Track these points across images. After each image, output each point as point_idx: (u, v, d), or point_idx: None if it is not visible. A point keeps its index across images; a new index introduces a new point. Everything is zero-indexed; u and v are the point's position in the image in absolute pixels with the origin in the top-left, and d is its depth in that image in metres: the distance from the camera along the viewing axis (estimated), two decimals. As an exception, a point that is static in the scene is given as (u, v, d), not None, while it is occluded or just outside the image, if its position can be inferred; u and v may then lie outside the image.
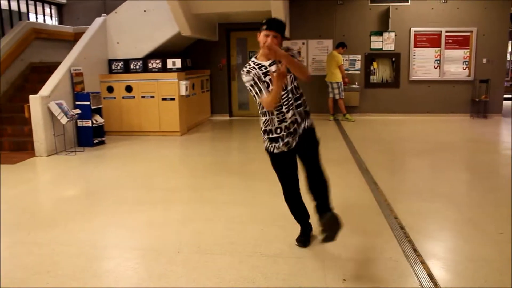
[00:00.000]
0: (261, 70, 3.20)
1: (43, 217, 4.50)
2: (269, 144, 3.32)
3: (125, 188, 5.45)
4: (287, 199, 3.50)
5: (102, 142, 8.06)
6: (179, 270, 3.21)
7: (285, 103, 3.19)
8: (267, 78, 3.18)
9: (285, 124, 3.22)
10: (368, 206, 4.53)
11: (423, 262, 3.21)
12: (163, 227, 4.06)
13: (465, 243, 3.64)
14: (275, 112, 3.22)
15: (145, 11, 9.02)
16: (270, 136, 3.29)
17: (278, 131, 3.24)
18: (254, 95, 3.22)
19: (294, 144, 3.26)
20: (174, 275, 3.14)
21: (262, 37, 3.14)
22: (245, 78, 3.23)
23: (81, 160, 6.98)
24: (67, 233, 3.97)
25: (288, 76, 3.15)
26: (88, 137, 7.80)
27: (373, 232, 3.85)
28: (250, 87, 3.22)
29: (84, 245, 3.69)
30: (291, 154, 3.31)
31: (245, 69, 3.25)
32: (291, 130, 3.23)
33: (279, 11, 8.03)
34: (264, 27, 3.14)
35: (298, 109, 3.25)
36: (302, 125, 3.26)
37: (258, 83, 3.18)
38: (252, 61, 3.27)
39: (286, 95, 3.19)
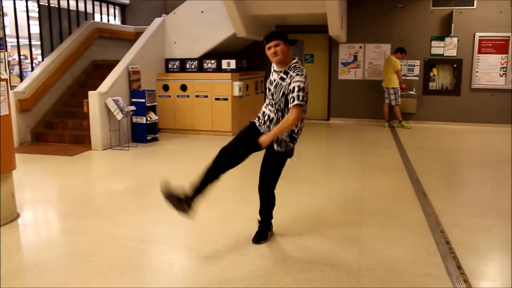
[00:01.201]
0: (273, 76, 3.44)
1: (93, 208, 4.69)
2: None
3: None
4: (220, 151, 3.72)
5: (155, 139, 8.29)
6: (212, 269, 3.23)
7: (274, 102, 3.42)
8: (271, 88, 3.43)
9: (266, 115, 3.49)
10: (414, 217, 4.35)
11: (466, 281, 3.03)
12: (204, 225, 4.10)
13: (515, 264, 3.41)
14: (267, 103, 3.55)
15: (202, 11, 9.19)
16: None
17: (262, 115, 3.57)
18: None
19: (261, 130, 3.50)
20: (209, 274, 3.15)
21: (267, 51, 3.37)
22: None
23: (134, 155, 7.21)
24: (113, 225, 4.11)
25: (279, 94, 3.34)
26: (142, 133, 8.05)
27: (416, 244, 3.68)
28: (273, 89, 3.47)
29: (126, 238, 3.80)
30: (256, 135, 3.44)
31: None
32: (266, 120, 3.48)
33: (335, 13, 7.92)
34: (264, 43, 3.35)
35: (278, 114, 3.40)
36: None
37: (269, 87, 3.49)
38: (272, 67, 3.50)
39: (271, 97, 3.42)
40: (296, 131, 3.45)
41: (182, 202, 3.46)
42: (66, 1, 10.37)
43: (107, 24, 11.08)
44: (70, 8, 10.56)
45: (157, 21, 9.40)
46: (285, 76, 3.30)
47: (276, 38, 3.29)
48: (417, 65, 10.40)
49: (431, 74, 10.41)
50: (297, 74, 3.24)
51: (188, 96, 9.00)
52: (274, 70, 3.43)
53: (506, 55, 9.99)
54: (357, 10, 10.40)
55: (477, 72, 10.16)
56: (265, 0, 8.28)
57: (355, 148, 7.83)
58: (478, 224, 4.21)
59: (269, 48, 3.31)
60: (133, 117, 8.02)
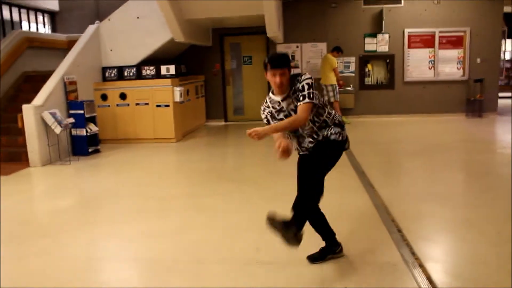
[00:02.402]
0: (274, 108, 3.17)
1: (37, 229, 4.45)
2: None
3: (120, 197, 5.41)
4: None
5: (97, 151, 8.02)
6: (175, 280, 3.17)
7: (305, 132, 3.16)
8: (281, 115, 3.15)
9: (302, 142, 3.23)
10: (365, 209, 4.51)
11: (421, 265, 3.18)
12: (160, 237, 4.02)
13: (463, 245, 3.62)
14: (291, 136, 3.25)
15: (138, 17, 9.00)
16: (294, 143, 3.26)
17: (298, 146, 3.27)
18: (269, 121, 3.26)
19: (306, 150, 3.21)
20: (170, 286, 3.09)
21: (270, 76, 3.06)
22: (262, 115, 3.29)
23: (76, 170, 6.94)
24: (61, 245, 3.92)
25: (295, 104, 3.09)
26: (83, 146, 7.75)
27: (371, 235, 3.82)
28: (266, 124, 3.23)
29: (77, 257, 3.64)
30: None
31: (262, 108, 3.27)
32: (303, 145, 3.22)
33: (272, 14, 8.03)
34: (269, 66, 3.04)
35: (315, 127, 3.13)
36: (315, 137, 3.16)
37: (271, 120, 3.20)
38: (268, 97, 3.22)
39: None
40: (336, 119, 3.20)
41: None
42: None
43: (37, 33, 10.60)
44: (-6, 18, 10.00)
45: (91, 28, 9.10)
46: (293, 90, 3.07)
47: (284, 67, 3.03)
48: (353, 62, 10.77)
49: (366, 70, 10.81)
50: (300, 76, 3.08)
51: (128, 104, 8.77)
52: (279, 101, 3.13)
53: (433, 49, 10.56)
54: (292, 10, 10.60)
55: (408, 66, 10.68)
56: (203, 2, 8.25)
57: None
58: (424, 210, 4.43)
59: (275, 75, 3.02)
60: (72, 129, 7.71)
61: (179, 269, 3.34)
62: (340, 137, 3.16)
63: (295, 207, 3.02)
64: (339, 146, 3.20)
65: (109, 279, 3.28)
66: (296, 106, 3.04)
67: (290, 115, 3.10)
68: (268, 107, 3.21)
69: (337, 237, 3.40)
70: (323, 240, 3.36)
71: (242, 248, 3.64)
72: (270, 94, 3.22)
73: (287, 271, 3.21)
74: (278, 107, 3.15)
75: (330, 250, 3.37)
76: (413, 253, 3.38)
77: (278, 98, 3.14)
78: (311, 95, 2.99)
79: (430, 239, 3.73)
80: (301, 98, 3.00)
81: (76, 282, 3.19)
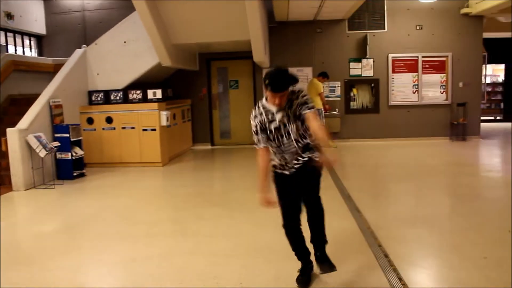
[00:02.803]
0: (267, 117, 3.18)
1: (20, 255, 4.36)
2: (271, 165, 3.35)
3: (105, 222, 5.34)
4: (287, 231, 3.40)
5: (82, 175, 7.93)
6: (160, 308, 3.12)
7: (286, 149, 3.21)
8: (271, 126, 3.17)
9: (284, 156, 3.25)
10: (351, 233, 4.50)
11: (408, 291, 3.18)
12: (145, 263, 3.96)
13: (449, 270, 3.63)
14: (274, 149, 3.27)
15: (125, 42, 9.05)
16: (275, 160, 3.32)
17: (278, 161, 3.31)
18: (255, 140, 3.29)
19: (294, 170, 3.26)
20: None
21: (269, 95, 3.10)
22: (252, 122, 3.27)
23: (60, 194, 6.84)
24: (44, 271, 3.84)
25: (294, 127, 3.15)
26: (68, 170, 7.67)
27: (357, 260, 3.81)
28: (254, 132, 3.27)
29: (61, 284, 3.57)
30: (293, 180, 3.28)
31: (253, 113, 3.27)
32: (290, 159, 3.25)
33: (259, 40, 8.13)
34: (269, 88, 3.04)
35: (299, 148, 3.20)
36: (303, 156, 3.22)
37: (259, 132, 3.22)
38: (262, 105, 3.23)
39: (289, 142, 3.18)
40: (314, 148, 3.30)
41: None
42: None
43: (23, 57, 10.56)
44: (-20, 41, 9.97)
45: (78, 52, 9.11)
46: (291, 107, 3.14)
47: (285, 89, 3.05)
48: (338, 86, 10.90)
49: (352, 94, 10.95)
50: (298, 91, 3.17)
51: (114, 128, 8.74)
52: (273, 112, 3.16)
53: (416, 73, 10.76)
54: (278, 35, 10.75)
55: (392, 90, 10.84)
56: (190, 27, 8.34)
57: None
58: (410, 234, 4.44)
59: (274, 97, 3.05)
60: (57, 153, 7.64)
61: (164, 297, 3.28)
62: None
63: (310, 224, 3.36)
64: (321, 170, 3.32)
65: (92, 307, 3.21)
66: (297, 117, 3.12)
67: (279, 127, 3.15)
68: (261, 114, 3.21)
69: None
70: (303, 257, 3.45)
71: (227, 274, 3.60)
72: (264, 101, 3.23)
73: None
74: (270, 118, 3.18)
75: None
76: (400, 279, 3.37)
77: (273, 109, 3.16)
78: (312, 107, 3.14)
79: (417, 265, 3.73)
80: (306, 110, 3.09)
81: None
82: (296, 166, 3.23)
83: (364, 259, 3.82)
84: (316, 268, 3.46)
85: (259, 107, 3.24)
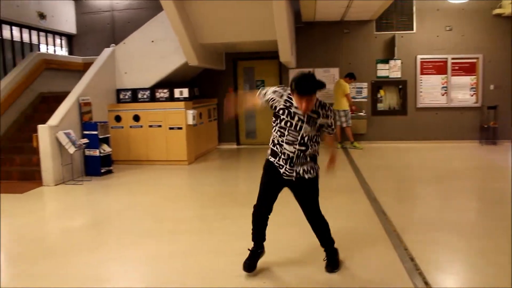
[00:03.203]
0: (289, 109, 3.29)
1: (47, 248, 4.46)
2: (270, 155, 3.49)
3: (131, 218, 5.41)
4: (254, 213, 3.64)
5: (109, 171, 8.07)
6: (184, 305, 3.15)
7: (288, 138, 3.31)
8: (288, 117, 3.29)
9: (282, 150, 3.37)
10: (376, 236, 4.45)
11: (434, 296, 3.12)
12: (168, 260, 4.00)
13: (475, 275, 3.55)
14: (279, 140, 3.36)
15: (153, 41, 9.16)
16: (272, 148, 3.46)
17: (275, 149, 3.42)
18: (262, 98, 3.47)
19: (286, 173, 3.40)
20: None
21: (296, 99, 3.19)
22: (270, 91, 3.39)
23: (88, 190, 6.98)
24: (70, 266, 3.92)
25: (308, 129, 3.29)
26: (96, 167, 7.81)
27: (383, 263, 3.76)
28: (263, 94, 3.44)
29: (85, 279, 3.63)
30: (279, 178, 3.45)
31: (278, 89, 3.39)
32: (287, 159, 3.37)
33: (285, 40, 8.11)
34: (296, 91, 3.12)
35: (299, 152, 3.33)
36: (299, 170, 3.38)
37: (269, 101, 3.38)
38: (288, 94, 3.32)
39: (295, 134, 3.29)
40: (318, 153, 3.51)
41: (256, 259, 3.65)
42: (9, 32, 10.04)
43: (54, 55, 10.81)
44: (14, 39, 10.23)
45: (106, 51, 9.27)
46: (316, 115, 3.29)
47: (313, 93, 3.14)
48: (365, 87, 10.78)
49: (379, 96, 10.82)
50: (328, 109, 3.34)
51: (142, 126, 8.86)
52: (295, 106, 3.25)
53: (445, 75, 10.56)
54: (305, 36, 10.71)
55: (421, 92, 10.66)
56: (217, 27, 8.38)
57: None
58: (436, 238, 4.35)
59: (301, 101, 3.14)
60: (86, 150, 7.79)
61: (188, 294, 3.31)
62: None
63: (316, 232, 3.59)
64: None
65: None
66: (317, 129, 3.34)
67: (295, 128, 3.27)
68: (284, 99, 3.31)
69: (348, 263, 3.36)
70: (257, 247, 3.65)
71: (252, 274, 3.60)
72: (289, 93, 3.31)
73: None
74: (288, 105, 3.28)
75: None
76: (426, 283, 3.31)
77: (299, 111, 3.25)
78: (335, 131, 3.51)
79: (444, 269, 3.66)
80: (330, 130, 3.44)
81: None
82: (291, 174, 3.39)
83: (389, 262, 3.76)
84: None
85: (285, 91, 3.34)
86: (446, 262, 3.84)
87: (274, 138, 3.41)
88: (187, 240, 4.56)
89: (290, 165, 3.35)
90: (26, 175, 7.61)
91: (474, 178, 7.38)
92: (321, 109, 3.29)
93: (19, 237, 4.82)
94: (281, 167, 3.39)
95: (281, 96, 3.33)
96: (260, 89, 3.54)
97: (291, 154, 3.32)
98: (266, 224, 3.63)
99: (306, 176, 3.38)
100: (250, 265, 3.55)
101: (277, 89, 3.40)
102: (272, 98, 3.37)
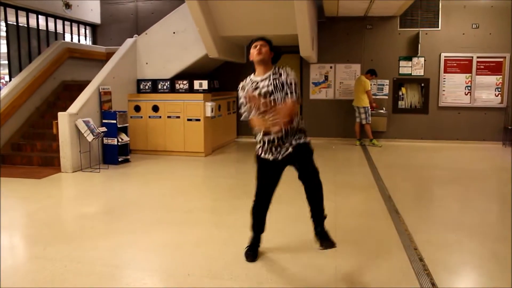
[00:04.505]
0: (252, 86, 3.42)
1: (61, 233, 4.54)
2: (257, 147, 3.55)
3: (144, 207, 5.47)
4: (254, 207, 3.68)
5: (126, 160, 8.17)
6: (187, 294, 3.17)
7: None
8: (256, 92, 3.38)
9: (268, 137, 3.41)
10: (387, 235, 4.39)
11: (440, 298, 3.06)
12: (177, 249, 4.03)
13: (485, 279, 3.48)
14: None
15: (174, 32, 9.20)
16: (258, 143, 3.54)
17: (262, 142, 3.48)
18: (243, 112, 3.55)
19: (279, 157, 3.42)
20: (182, 299, 3.09)
21: (252, 52, 3.42)
22: (240, 94, 3.52)
23: (105, 177, 7.08)
24: (82, 250, 3.99)
25: (279, 96, 3.35)
26: (113, 155, 7.92)
27: (390, 262, 3.71)
28: (243, 105, 3.51)
29: (96, 264, 3.69)
30: (274, 166, 3.49)
31: (240, 85, 3.53)
32: (275, 144, 3.41)
33: (306, 35, 8.05)
34: (251, 42, 3.45)
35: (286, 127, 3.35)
36: (291, 141, 3.40)
37: (247, 103, 3.45)
38: (249, 77, 3.50)
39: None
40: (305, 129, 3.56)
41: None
42: (35, 21, 10.22)
43: (78, 44, 10.97)
44: (40, 28, 10.42)
45: (128, 41, 9.36)
46: (277, 76, 3.37)
47: (264, 40, 3.43)
48: (386, 85, 10.64)
49: (400, 93, 10.66)
50: (290, 72, 3.39)
51: (160, 117, 8.93)
52: (260, 80, 3.40)
53: (470, 74, 10.33)
54: (327, 31, 10.61)
55: (443, 91, 10.46)
56: (237, 20, 8.37)
57: (327, 167, 7.86)
58: (449, 240, 4.27)
59: (255, 46, 3.39)
60: (104, 138, 7.90)
61: (191, 283, 3.32)
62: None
63: (309, 198, 3.52)
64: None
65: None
66: (271, 91, 3.33)
67: (265, 96, 3.33)
68: (247, 85, 3.45)
69: (357, 260, 3.32)
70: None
71: (258, 267, 3.60)
72: (252, 75, 3.49)
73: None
74: (254, 86, 3.39)
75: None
76: (433, 284, 3.26)
77: (257, 78, 3.42)
78: (297, 93, 3.35)
79: (452, 271, 3.59)
80: (290, 95, 3.32)
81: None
82: (282, 152, 3.40)
83: (397, 261, 3.71)
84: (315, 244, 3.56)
85: (245, 80, 3.50)
86: (456, 264, 3.76)
87: (259, 133, 3.48)
88: (197, 230, 4.59)
89: (281, 147, 3.41)
90: (46, 161, 7.77)
91: (494, 180, 7.21)
92: (283, 71, 3.39)
93: (33, 221, 4.93)
94: (271, 150, 3.44)
95: (245, 86, 3.47)
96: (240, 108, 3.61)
97: (279, 135, 3.38)
98: (265, 218, 3.73)
99: (301, 141, 3.43)
100: (252, 255, 3.70)
101: (240, 86, 3.53)
102: (244, 99, 3.48)
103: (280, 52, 3.53)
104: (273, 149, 3.43)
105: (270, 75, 3.37)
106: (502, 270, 3.61)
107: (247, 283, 3.31)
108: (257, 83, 3.39)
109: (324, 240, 3.47)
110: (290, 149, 3.39)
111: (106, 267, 3.64)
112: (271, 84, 3.34)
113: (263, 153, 3.50)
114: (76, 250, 4.00)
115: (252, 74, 3.51)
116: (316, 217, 3.54)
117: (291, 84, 3.34)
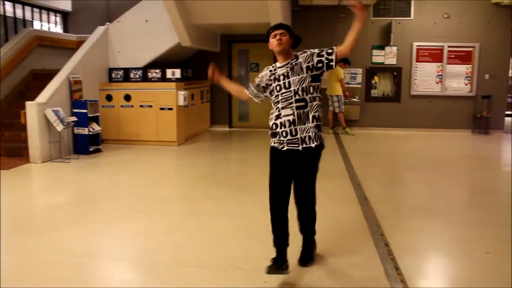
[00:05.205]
0: (275, 73, 3.28)
1: (31, 224, 4.48)
2: (271, 138, 3.30)
3: (115, 197, 5.42)
4: (271, 210, 3.27)
5: (98, 150, 8.06)
6: (152, 282, 3.17)
7: (283, 100, 3.19)
8: (272, 77, 3.28)
9: (280, 120, 3.18)
10: (355, 221, 4.46)
11: (403, 281, 3.13)
12: (147, 238, 4.02)
13: (449, 262, 3.57)
14: (274, 107, 3.26)
15: (146, 21, 9.07)
16: (272, 132, 3.26)
17: (274, 126, 3.24)
18: (253, 88, 3.48)
19: (285, 147, 3.19)
20: (147, 287, 3.09)
21: (271, 41, 3.26)
22: (262, 73, 3.43)
23: (75, 168, 6.98)
24: (52, 241, 3.94)
25: (296, 79, 3.18)
26: (84, 145, 7.81)
27: (356, 248, 3.77)
28: (260, 83, 3.40)
29: (64, 254, 3.66)
30: (282, 157, 3.22)
31: (265, 69, 3.42)
32: (287, 129, 3.16)
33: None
34: (270, 32, 3.28)
35: (299, 110, 3.15)
36: (303, 134, 3.15)
37: (252, 88, 3.44)
38: (268, 68, 3.39)
39: (287, 93, 3.18)
40: (320, 121, 3.25)
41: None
42: (1, 7, 9.94)
43: (48, 32, 10.72)
44: (7, 15, 10.13)
45: (100, 29, 9.19)
46: (297, 60, 3.23)
47: (284, 28, 3.28)
48: (359, 73, 10.73)
49: (373, 82, 10.77)
50: (307, 51, 3.30)
51: (132, 106, 8.83)
52: (279, 67, 3.26)
53: (441, 63, 10.49)
54: (301, 19, 10.61)
55: (415, 79, 10.61)
56: (210, 8, 8.29)
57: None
58: (416, 225, 4.37)
59: (275, 35, 3.23)
60: (75, 128, 7.78)
61: (158, 271, 3.32)
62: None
63: (302, 219, 3.38)
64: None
65: (90, 276, 3.27)
66: (306, 70, 3.20)
67: (285, 86, 3.19)
68: (267, 73, 3.35)
69: (324, 247, 3.38)
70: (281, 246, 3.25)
71: (223, 253, 3.62)
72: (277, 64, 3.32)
73: (265, 278, 3.17)
74: (277, 76, 3.24)
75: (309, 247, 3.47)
76: (397, 268, 3.33)
77: (283, 63, 3.26)
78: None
79: (417, 256, 3.67)
80: (329, 50, 3.30)
81: (52, 279, 3.20)
82: (296, 143, 3.15)
83: (363, 247, 3.78)
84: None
85: (267, 69, 3.38)
86: (421, 248, 3.85)
87: (271, 117, 3.25)
88: (167, 219, 4.58)
89: (292, 134, 3.15)
90: (14, 152, 7.60)
91: (463, 167, 7.37)
92: (301, 54, 3.27)
93: (2, 213, 4.83)
94: (282, 142, 3.18)
95: (264, 75, 3.36)
96: (249, 85, 3.52)
97: (291, 118, 3.13)
98: (287, 222, 3.26)
99: (313, 145, 3.16)
100: (270, 268, 3.10)
101: (266, 68, 3.42)
102: (259, 81, 3.39)
103: (299, 37, 3.39)
104: (283, 134, 3.16)
105: (289, 62, 3.22)
106: (464, 253, 3.71)
107: (215, 270, 3.33)
108: (275, 69, 3.28)
109: (303, 257, 3.39)
110: (299, 148, 3.16)
111: (73, 257, 3.60)
112: (288, 68, 3.20)
113: (272, 142, 3.27)
114: (46, 241, 3.96)
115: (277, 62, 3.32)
116: (303, 229, 3.43)
117: (314, 53, 3.27)
